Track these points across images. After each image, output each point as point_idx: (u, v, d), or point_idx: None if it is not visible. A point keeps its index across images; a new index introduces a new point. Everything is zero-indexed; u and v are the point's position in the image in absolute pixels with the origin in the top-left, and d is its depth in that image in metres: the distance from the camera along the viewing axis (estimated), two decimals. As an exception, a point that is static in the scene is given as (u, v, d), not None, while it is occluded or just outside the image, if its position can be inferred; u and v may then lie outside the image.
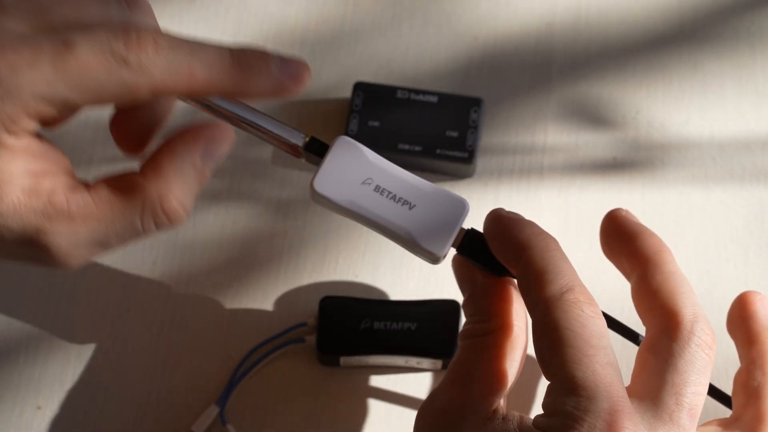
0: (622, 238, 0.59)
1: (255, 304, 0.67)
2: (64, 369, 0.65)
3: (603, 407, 0.51)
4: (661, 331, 0.55)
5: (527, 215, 0.69)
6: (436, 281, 0.67)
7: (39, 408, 0.65)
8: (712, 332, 0.55)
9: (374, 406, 0.65)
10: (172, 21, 0.73)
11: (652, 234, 0.59)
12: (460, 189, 0.69)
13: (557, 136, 0.71)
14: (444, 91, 0.70)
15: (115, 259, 0.67)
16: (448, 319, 0.65)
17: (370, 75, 0.72)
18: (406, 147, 0.69)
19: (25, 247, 0.53)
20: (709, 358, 0.55)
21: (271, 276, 0.67)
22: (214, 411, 0.64)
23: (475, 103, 0.69)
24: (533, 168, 0.70)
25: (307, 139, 0.57)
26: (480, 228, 0.58)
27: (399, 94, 0.70)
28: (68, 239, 0.53)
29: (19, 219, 0.52)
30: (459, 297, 0.60)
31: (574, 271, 0.55)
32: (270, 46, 0.72)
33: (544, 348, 0.53)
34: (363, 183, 0.57)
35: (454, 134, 0.69)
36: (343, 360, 0.65)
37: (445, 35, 0.73)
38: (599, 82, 0.72)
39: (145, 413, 0.65)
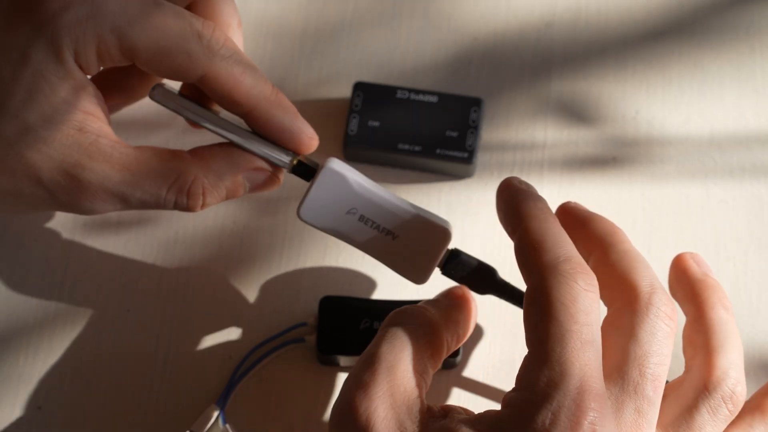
0: (575, 225, 0.60)
1: (255, 304, 0.67)
2: (64, 369, 0.65)
3: (573, 385, 0.51)
4: (620, 306, 0.56)
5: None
6: (436, 281, 0.67)
7: (39, 408, 0.65)
8: (671, 302, 0.56)
9: (374, 405, 0.65)
10: (172, 21, 0.73)
11: (604, 218, 0.60)
12: (460, 189, 0.69)
13: (557, 136, 0.71)
14: (444, 91, 0.70)
15: (115, 259, 0.67)
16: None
17: (370, 75, 0.72)
18: (406, 147, 0.69)
19: (56, 179, 0.56)
20: (669, 328, 0.55)
21: (270, 276, 0.67)
22: (214, 411, 0.64)
23: (475, 103, 0.69)
24: (533, 168, 0.70)
25: (294, 162, 0.60)
26: (467, 241, 0.62)
27: (399, 94, 0.70)
28: (101, 179, 0.57)
29: (62, 149, 0.56)
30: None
31: (572, 244, 0.55)
32: (270, 45, 0.73)
33: (531, 315, 0.53)
34: (348, 213, 0.59)
35: (454, 134, 0.69)
36: (343, 360, 0.65)
37: (445, 35, 0.73)
38: (599, 82, 0.72)
39: (145, 413, 0.65)
